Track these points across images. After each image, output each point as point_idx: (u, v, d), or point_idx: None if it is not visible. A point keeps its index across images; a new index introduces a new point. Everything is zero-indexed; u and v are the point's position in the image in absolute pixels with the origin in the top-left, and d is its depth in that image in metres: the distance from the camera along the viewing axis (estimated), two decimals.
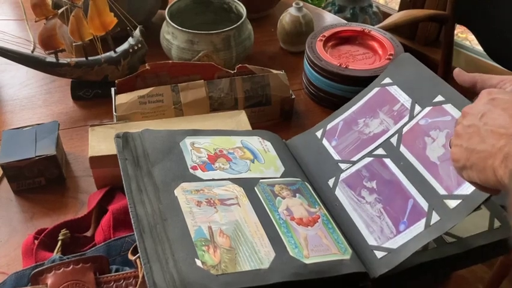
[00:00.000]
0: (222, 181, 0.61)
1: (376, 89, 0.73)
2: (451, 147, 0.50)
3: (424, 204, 0.58)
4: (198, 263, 0.50)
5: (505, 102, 0.46)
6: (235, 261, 0.51)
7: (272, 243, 0.54)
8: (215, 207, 0.57)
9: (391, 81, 0.72)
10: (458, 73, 0.60)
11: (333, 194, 0.65)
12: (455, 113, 0.62)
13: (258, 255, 0.52)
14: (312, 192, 0.64)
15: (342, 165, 0.68)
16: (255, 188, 0.61)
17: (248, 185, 0.62)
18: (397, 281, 0.59)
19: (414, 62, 0.72)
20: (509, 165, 0.41)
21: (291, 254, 0.54)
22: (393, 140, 0.66)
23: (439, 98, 0.65)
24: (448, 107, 0.63)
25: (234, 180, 0.62)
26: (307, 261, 0.53)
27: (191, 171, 0.61)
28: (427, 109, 0.65)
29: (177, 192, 0.57)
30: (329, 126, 0.74)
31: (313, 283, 0.52)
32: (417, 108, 0.66)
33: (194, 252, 0.51)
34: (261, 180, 0.63)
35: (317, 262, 0.54)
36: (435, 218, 0.56)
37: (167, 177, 0.59)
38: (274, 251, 0.53)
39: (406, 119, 0.67)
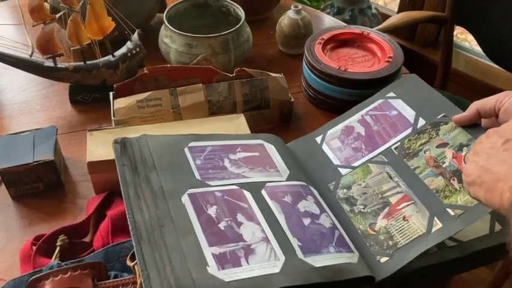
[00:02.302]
0: (229, 186, 0.61)
1: (379, 101, 0.74)
2: (465, 163, 0.51)
3: (424, 211, 0.59)
4: (210, 270, 0.50)
5: None
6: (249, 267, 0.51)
7: (281, 247, 0.54)
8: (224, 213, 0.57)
9: (395, 95, 0.73)
10: (458, 118, 0.63)
11: (333, 198, 0.65)
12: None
13: (268, 260, 0.52)
14: (317, 195, 0.64)
15: (342, 170, 0.68)
16: (262, 192, 0.61)
17: (255, 189, 0.61)
18: (398, 285, 0.59)
19: (420, 81, 0.73)
20: None
21: (300, 257, 0.54)
22: (395, 149, 0.67)
23: (443, 116, 0.66)
24: (450, 127, 0.65)
25: (241, 185, 0.61)
26: (316, 265, 0.53)
27: (197, 177, 0.61)
28: (430, 124, 0.66)
29: (184, 199, 0.57)
30: (329, 132, 0.74)
31: (317, 285, 0.52)
32: (421, 121, 0.67)
33: (204, 259, 0.51)
34: (267, 184, 0.63)
35: (326, 266, 0.54)
36: (437, 224, 0.56)
37: (173, 183, 0.59)
38: (283, 255, 0.53)
39: (409, 130, 0.67)
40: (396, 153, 0.66)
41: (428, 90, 0.71)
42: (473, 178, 0.49)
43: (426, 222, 0.57)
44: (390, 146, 0.67)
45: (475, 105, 0.61)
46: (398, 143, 0.67)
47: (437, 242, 0.55)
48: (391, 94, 0.74)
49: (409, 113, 0.70)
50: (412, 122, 0.68)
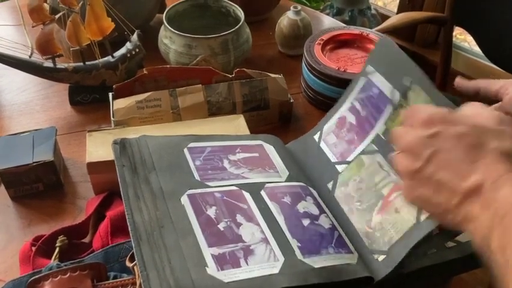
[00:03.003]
0: (228, 187, 0.61)
1: (362, 80, 0.68)
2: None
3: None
4: (209, 270, 0.50)
5: (448, 143, 0.41)
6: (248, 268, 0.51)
7: (281, 248, 0.54)
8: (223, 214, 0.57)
9: (373, 69, 0.67)
10: (460, 82, 0.58)
11: (332, 198, 0.65)
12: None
13: (267, 261, 0.52)
14: (317, 196, 0.64)
15: (339, 167, 0.67)
16: (261, 193, 0.61)
17: (254, 189, 0.61)
18: (397, 286, 0.59)
19: (392, 45, 0.66)
20: (479, 231, 0.39)
21: (299, 257, 0.54)
22: (383, 135, 0.63)
23: (407, 79, 0.60)
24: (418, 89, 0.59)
25: (240, 186, 0.61)
26: (316, 266, 0.53)
27: (197, 178, 0.61)
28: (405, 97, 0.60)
29: (183, 199, 0.57)
30: (325, 128, 0.73)
31: (317, 286, 0.52)
32: (397, 94, 0.62)
33: (204, 260, 0.51)
34: (266, 185, 0.63)
35: (326, 266, 0.54)
36: (425, 214, 0.54)
37: (172, 184, 0.59)
38: (283, 256, 0.53)
39: (389, 108, 0.62)
40: (384, 138, 0.62)
41: (398, 55, 0.63)
42: (418, 207, 0.45)
43: (416, 211, 0.55)
44: (378, 132, 0.64)
45: (482, 83, 0.57)
46: (384, 127, 0.63)
47: (427, 232, 0.53)
48: (370, 68, 0.67)
49: (387, 87, 0.63)
50: (390, 97, 0.63)
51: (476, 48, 1.49)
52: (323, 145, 0.71)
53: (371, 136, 0.64)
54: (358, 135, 0.66)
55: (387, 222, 0.57)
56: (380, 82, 0.64)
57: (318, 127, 0.74)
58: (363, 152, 0.65)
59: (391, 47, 0.65)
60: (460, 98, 1.18)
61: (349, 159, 0.66)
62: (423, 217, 0.54)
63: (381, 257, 0.56)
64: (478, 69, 1.64)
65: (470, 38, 1.42)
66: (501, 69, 1.32)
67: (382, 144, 0.62)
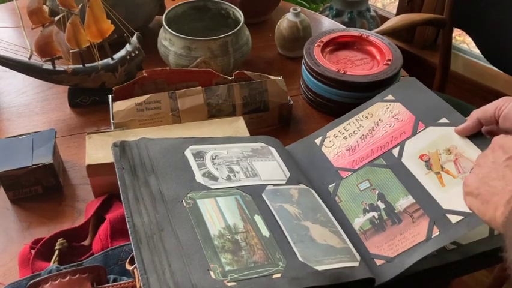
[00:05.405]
0: (230, 189, 0.61)
1: (378, 103, 0.74)
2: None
3: (425, 217, 0.58)
4: (212, 274, 0.49)
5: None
6: (247, 268, 0.51)
7: (282, 250, 0.54)
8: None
9: (394, 98, 0.73)
10: (461, 130, 0.63)
11: (333, 200, 0.65)
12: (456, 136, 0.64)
13: (269, 264, 0.52)
14: (317, 198, 0.64)
15: (342, 173, 0.68)
16: (262, 195, 0.61)
17: (255, 192, 0.61)
18: None
19: (419, 85, 0.73)
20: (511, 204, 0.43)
21: (301, 259, 0.54)
22: (395, 152, 0.66)
23: (444, 121, 0.66)
24: (450, 130, 0.64)
25: (241, 188, 0.61)
26: (318, 268, 0.53)
27: (198, 180, 0.61)
28: (430, 128, 0.66)
29: (184, 202, 0.57)
30: (328, 134, 0.74)
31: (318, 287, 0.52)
32: (421, 125, 0.68)
33: (206, 263, 0.50)
34: (267, 187, 0.63)
35: (329, 269, 0.53)
36: (437, 231, 0.56)
37: (173, 187, 0.59)
38: (285, 258, 0.53)
39: (409, 134, 0.67)
40: (396, 156, 0.66)
41: (427, 94, 0.71)
42: (470, 189, 0.50)
43: (426, 229, 0.57)
44: (390, 150, 0.67)
45: (476, 114, 0.61)
46: (398, 147, 0.67)
47: (436, 248, 0.55)
48: (390, 97, 0.74)
49: (408, 117, 0.70)
50: (412, 125, 0.68)
51: (475, 50, 1.49)
52: (324, 150, 0.72)
53: (381, 151, 0.68)
54: (366, 147, 0.69)
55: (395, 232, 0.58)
56: (401, 111, 0.71)
57: (320, 132, 0.75)
58: (370, 164, 0.67)
59: (419, 87, 0.72)
60: (458, 99, 1.18)
61: (355, 167, 0.68)
62: (434, 235, 0.56)
63: (382, 263, 0.56)
64: (477, 70, 1.64)
65: (469, 39, 1.42)
66: (500, 71, 1.33)
67: (392, 160, 0.66)
